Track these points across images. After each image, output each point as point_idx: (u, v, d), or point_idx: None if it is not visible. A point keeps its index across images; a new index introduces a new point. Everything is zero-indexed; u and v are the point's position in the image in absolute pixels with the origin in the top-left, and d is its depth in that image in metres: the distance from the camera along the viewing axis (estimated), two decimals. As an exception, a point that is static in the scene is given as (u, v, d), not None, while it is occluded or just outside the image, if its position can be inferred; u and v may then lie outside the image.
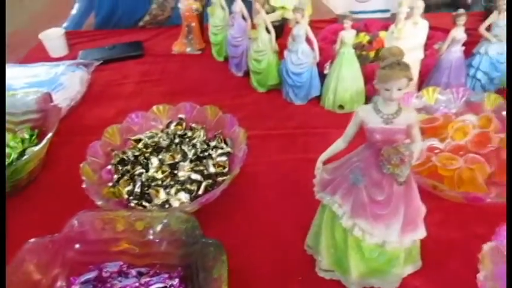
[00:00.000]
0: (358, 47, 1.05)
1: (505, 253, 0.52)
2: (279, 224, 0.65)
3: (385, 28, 1.12)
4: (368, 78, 0.88)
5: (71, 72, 1.02)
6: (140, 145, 0.76)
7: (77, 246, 0.53)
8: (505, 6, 0.79)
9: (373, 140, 0.46)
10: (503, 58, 0.84)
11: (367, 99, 0.90)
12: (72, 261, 0.53)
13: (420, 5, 0.77)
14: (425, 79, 0.88)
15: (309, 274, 0.57)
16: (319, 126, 0.86)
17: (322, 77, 0.92)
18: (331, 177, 0.52)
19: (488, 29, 0.83)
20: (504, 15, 0.81)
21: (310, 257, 0.59)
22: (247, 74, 1.03)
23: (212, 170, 0.71)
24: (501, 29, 0.82)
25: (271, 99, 0.97)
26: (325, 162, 0.53)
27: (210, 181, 0.69)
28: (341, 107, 0.89)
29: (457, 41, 0.81)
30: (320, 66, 0.91)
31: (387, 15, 1.21)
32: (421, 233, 0.51)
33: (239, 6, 0.98)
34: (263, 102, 0.96)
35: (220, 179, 0.69)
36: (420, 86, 0.87)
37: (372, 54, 0.97)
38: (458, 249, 0.59)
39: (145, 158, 0.73)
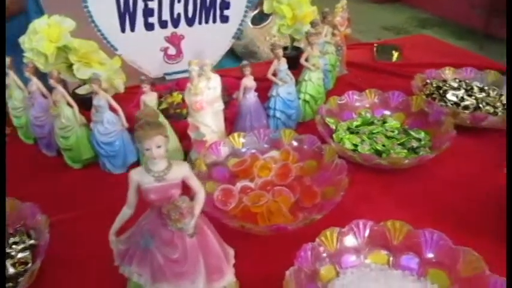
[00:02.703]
0: (172, 106, 1.09)
1: (309, 273, 0.56)
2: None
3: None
4: (183, 134, 0.91)
5: None
6: None
7: None
8: (281, 54, 0.91)
9: (151, 200, 0.46)
10: (292, 97, 0.96)
11: (186, 155, 0.92)
12: None
13: (208, 63, 0.83)
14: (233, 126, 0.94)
15: None
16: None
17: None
18: (125, 247, 0.50)
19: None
20: (284, 60, 0.92)
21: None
22: (60, 152, 0.96)
23: (12, 270, 0.62)
24: (283, 73, 0.93)
25: (88, 174, 0.92)
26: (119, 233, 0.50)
27: (11, 284, 0.60)
28: (160, 167, 0.89)
29: (249, 88, 0.89)
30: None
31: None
32: (229, 278, 0.52)
33: (35, 84, 0.92)
34: (79, 179, 0.90)
35: (21, 279, 0.61)
36: (230, 133, 0.93)
37: (185, 111, 1.01)
38: (275, 281, 0.61)
39: None
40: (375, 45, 1.47)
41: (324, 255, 0.59)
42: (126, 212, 0.49)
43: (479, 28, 3.86)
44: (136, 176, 0.46)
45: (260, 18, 1.82)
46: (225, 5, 1.21)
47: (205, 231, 0.50)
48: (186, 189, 0.49)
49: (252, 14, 1.86)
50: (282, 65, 0.92)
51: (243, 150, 0.85)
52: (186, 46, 1.23)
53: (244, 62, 0.88)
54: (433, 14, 4.74)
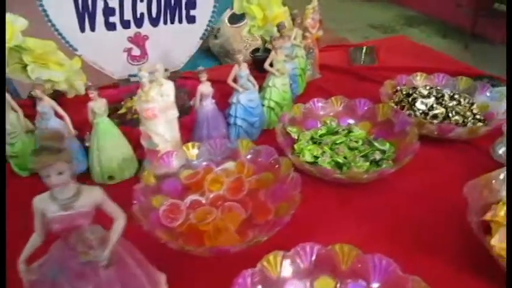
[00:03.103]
0: (130, 111, 1.04)
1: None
2: None
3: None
4: (139, 142, 0.86)
5: None
6: None
7: None
8: (241, 59, 0.86)
9: (56, 231, 0.41)
10: (254, 104, 0.91)
11: (140, 164, 0.87)
12: None
13: (160, 68, 0.79)
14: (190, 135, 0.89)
15: None
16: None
17: (87, 149, 0.86)
18: (37, 277, 0.45)
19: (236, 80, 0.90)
20: (245, 66, 0.88)
21: None
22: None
23: None
24: (244, 79, 0.89)
25: (36, 182, 0.86)
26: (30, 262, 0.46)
27: None
28: (111, 177, 0.84)
29: (206, 95, 0.84)
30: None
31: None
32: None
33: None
34: (27, 187, 0.85)
35: None
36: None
37: (143, 117, 0.96)
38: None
39: None
40: (351, 48, 1.42)
41: (266, 282, 0.55)
42: (35, 238, 0.44)
43: (465, 27, 3.84)
44: (41, 204, 0.41)
45: (238, 17, 1.78)
46: (191, 5, 1.15)
47: (125, 260, 0.46)
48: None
49: (230, 12, 1.82)
50: (243, 70, 0.88)
51: (197, 161, 0.81)
52: (151, 47, 1.18)
53: (200, 68, 0.83)
54: (420, 12, 4.73)
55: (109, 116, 0.85)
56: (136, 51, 1.17)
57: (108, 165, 0.83)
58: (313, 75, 1.25)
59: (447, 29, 4.14)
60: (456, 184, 0.68)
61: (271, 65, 0.96)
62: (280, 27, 1.01)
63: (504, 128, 0.85)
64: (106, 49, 1.14)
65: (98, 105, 0.80)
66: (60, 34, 1.07)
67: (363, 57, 1.35)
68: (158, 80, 0.80)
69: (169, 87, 0.80)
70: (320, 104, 0.95)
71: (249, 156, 0.80)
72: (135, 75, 1.21)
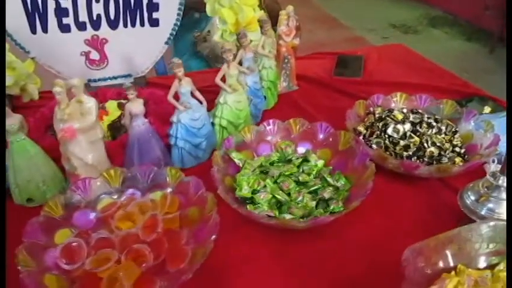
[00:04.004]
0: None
1: None
2: None
3: (118, 96, 1.05)
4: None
5: None
6: None
7: None
8: (180, 74, 0.76)
9: None
10: (199, 123, 0.81)
11: (67, 181, 0.79)
12: None
13: (78, 83, 0.69)
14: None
15: None
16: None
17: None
18: None
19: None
20: (187, 81, 0.78)
21: None
22: None
23: None
24: (186, 96, 0.79)
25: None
26: None
27: None
28: (30, 200, 0.76)
29: (136, 115, 0.75)
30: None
31: (130, 80, 1.15)
32: None
33: None
34: None
35: None
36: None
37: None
38: None
39: None
40: (338, 56, 1.29)
41: None
42: None
43: (492, 31, 3.59)
44: None
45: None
46: (153, 7, 1.06)
47: None
48: None
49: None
50: (184, 86, 0.78)
51: (121, 189, 0.71)
52: (111, 51, 1.09)
53: (127, 84, 0.73)
54: (446, 12, 4.47)
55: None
56: (95, 55, 1.09)
57: (25, 187, 0.75)
58: (289, 87, 1.14)
59: (473, 31, 3.89)
60: (416, 235, 0.56)
61: (223, 80, 0.85)
62: (239, 36, 0.90)
63: (487, 168, 0.72)
64: (61, 52, 1.06)
65: (10, 123, 0.71)
66: (9, 35, 1.00)
67: (346, 68, 1.21)
68: (78, 96, 0.70)
69: (91, 105, 0.71)
70: (276, 127, 0.84)
71: (177, 188, 0.70)
72: (95, 81, 1.14)
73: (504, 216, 0.60)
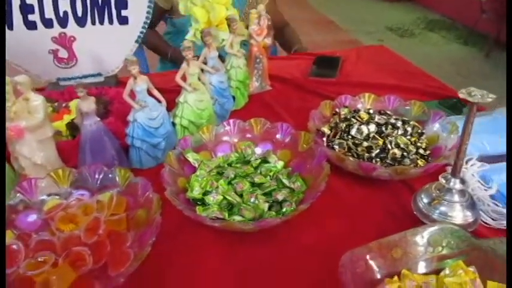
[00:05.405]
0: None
1: None
2: None
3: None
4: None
5: None
6: None
7: None
8: (135, 71, 0.74)
9: None
10: (157, 123, 0.79)
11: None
12: None
13: (23, 80, 0.67)
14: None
15: None
16: None
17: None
18: None
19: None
20: (142, 79, 0.76)
21: None
22: None
23: None
24: (142, 94, 0.77)
25: None
26: None
27: None
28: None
29: (87, 114, 0.73)
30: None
31: (101, 79, 1.14)
32: None
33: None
34: None
35: None
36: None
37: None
38: None
39: None
40: (315, 57, 1.27)
41: None
42: None
43: (489, 34, 3.56)
44: None
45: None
46: (122, 5, 1.04)
47: None
48: None
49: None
50: (139, 85, 0.76)
51: (68, 191, 0.69)
52: (80, 49, 1.08)
53: (77, 82, 0.72)
54: (444, 16, 4.45)
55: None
56: (63, 53, 1.08)
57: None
58: (262, 88, 1.12)
59: (470, 35, 3.86)
60: (370, 239, 0.53)
61: (183, 79, 0.83)
62: (203, 34, 0.88)
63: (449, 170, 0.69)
64: (28, 50, 1.04)
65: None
66: (-28, 32, 0.98)
67: (322, 69, 1.19)
68: (26, 94, 0.69)
69: (38, 103, 0.69)
70: (237, 127, 0.82)
71: (125, 189, 0.68)
72: (65, 79, 1.12)
73: (456, 220, 0.58)
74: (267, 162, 0.77)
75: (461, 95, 0.52)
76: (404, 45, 3.82)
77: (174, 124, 0.86)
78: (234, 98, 1.01)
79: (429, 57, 3.45)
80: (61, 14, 1.02)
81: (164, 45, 1.48)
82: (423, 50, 3.69)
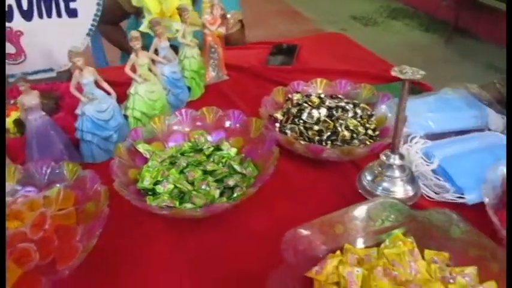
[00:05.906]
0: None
1: None
2: None
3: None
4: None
5: None
6: None
7: None
8: (80, 63, 0.73)
9: None
10: (106, 116, 0.78)
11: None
12: None
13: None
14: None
15: None
16: None
17: None
18: None
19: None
20: (89, 71, 0.75)
21: None
22: None
23: None
24: (90, 87, 0.76)
25: None
26: None
27: None
28: None
29: (32, 109, 0.71)
30: None
31: (53, 74, 1.11)
32: None
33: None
34: None
35: None
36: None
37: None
38: None
39: None
40: (273, 45, 1.28)
41: None
42: None
43: (449, 21, 3.66)
44: None
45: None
46: (70, -3, 1.02)
47: None
48: None
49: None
50: (85, 77, 0.75)
51: (14, 188, 0.68)
52: (28, 44, 1.04)
53: (18, 76, 0.70)
54: (407, 5, 4.54)
55: None
56: (10, 49, 1.04)
57: None
58: (218, 77, 1.12)
59: (431, 22, 3.96)
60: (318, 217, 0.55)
61: (133, 70, 0.82)
62: (152, 23, 0.87)
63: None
64: (-28, 46, 1.00)
65: None
66: None
67: (279, 57, 1.20)
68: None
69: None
70: (189, 115, 0.82)
71: (74, 183, 0.67)
72: (13, 76, 1.08)
73: (397, 194, 0.60)
74: (220, 149, 0.78)
75: (393, 73, 0.53)
76: (368, 33, 3.89)
77: (126, 117, 0.85)
78: (189, 88, 1.00)
79: (392, 44, 3.53)
80: (5, 8, 0.98)
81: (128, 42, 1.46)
82: (386, 38, 3.76)
